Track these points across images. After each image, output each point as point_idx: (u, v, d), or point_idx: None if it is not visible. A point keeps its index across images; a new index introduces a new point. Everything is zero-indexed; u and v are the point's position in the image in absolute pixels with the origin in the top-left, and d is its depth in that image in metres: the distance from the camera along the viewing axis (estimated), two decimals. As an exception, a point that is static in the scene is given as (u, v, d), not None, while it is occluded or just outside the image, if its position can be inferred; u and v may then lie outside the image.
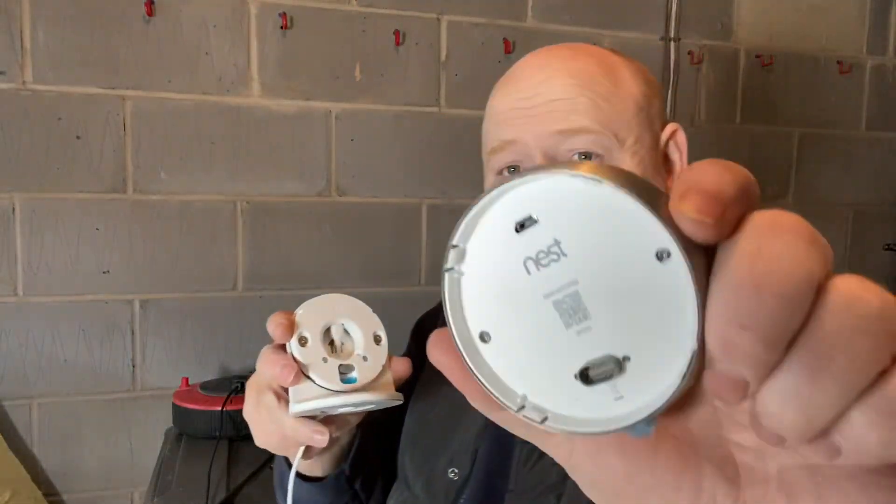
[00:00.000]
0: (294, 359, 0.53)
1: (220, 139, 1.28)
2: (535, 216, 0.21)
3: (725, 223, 0.17)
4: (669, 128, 0.69)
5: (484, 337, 0.22)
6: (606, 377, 0.20)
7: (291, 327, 0.54)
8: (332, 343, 0.56)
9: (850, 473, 0.20)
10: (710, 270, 0.18)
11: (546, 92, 0.63)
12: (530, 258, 0.21)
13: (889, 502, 0.19)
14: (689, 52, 1.54)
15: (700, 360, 0.18)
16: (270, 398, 0.55)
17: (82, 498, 1.28)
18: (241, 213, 1.31)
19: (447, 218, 1.41)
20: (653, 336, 0.19)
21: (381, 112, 1.36)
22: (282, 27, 1.29)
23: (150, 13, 1.22)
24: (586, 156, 0.62)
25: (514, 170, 0.65)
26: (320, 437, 0.55)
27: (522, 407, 0.22)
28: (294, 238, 1.33)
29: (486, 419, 0.23)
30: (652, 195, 0.19)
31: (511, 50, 1.40)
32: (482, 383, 0.22)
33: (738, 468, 0.22)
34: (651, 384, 0.20)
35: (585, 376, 0.21)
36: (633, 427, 0.20)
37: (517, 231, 0.21)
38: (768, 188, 1.65)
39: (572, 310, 0.20)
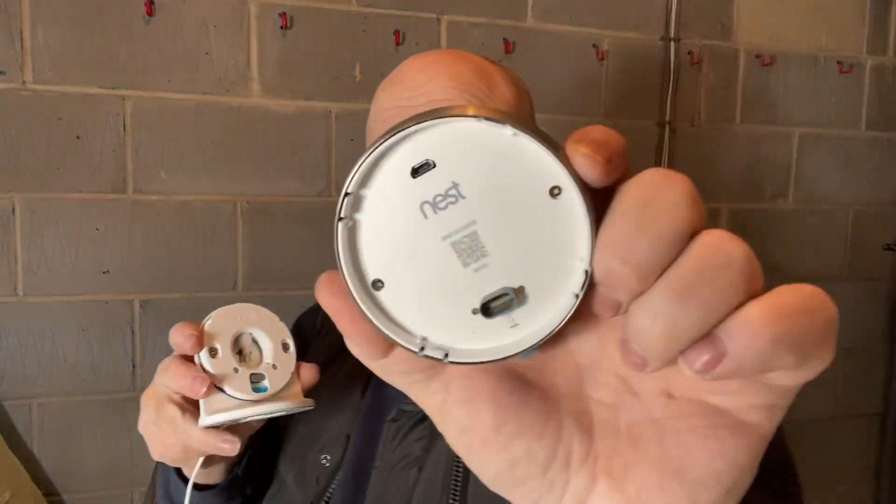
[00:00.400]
0: (204, 370, 0.54)
1: (220, 139, 1.28)
2: (431, 160, 0.21)
3: (612, 167, 0.20)
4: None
5: (377, 284, 0.23)
6: (505, 308, 0.22)
7: (201, 338, 0.56)
8: (240, 352, 0.57)
9: (690, 426, 0.22)
10: (598, 211, 0.21)
11: (428, 92, 0.67)
12: (427, 202, 0.21)
13: (722, 449, 0.22)
14: (689, 52, 1.54)
15: (590, 282, 0.21)
16: (173, 410, 0.55)
17: (82, 498, 1.28)
18: (241, 213, 1.31)
19: (447, 218, 1.41)
20: (546, 266, 0.21)
21: (381, 112, 1.36)
22: (282, 27, 1.29)
23: (150, 13, 1.22)
24: None
25: None
26: (230, 447, 0.55)
27: (423, 347, 0.23)
28: (294, 238, 1.33)
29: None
30: (548, 140, 0.21)
31: (511, 50, 1.41)
32: (378, 327, 0.23)
33: (593, 421, 0.25)
34: (545, 309, 0.22)
35: (486, 309, 0.22)
36: (526, 351, 0.22)
37: (413, 176, 0.22)
38: (768, 188, 1.65)
39: (470, 249, 0.21)
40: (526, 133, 0.20)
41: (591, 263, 0.21)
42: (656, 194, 0.20)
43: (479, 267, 0.22)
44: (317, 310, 0.91)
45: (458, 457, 0.57)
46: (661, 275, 0.20)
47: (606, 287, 0.20)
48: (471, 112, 0.21)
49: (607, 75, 1.49)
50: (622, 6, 1.49)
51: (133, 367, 1.28)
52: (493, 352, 0.22)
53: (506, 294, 0.22)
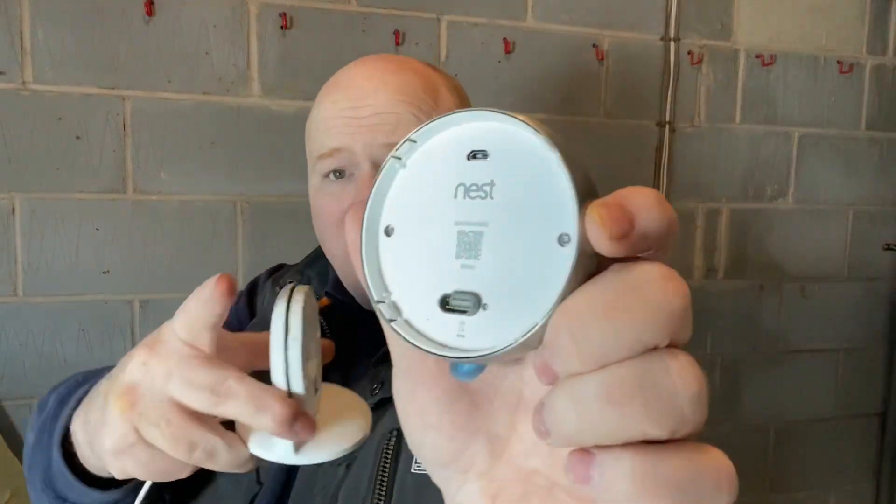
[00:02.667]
0: (290, 393, 0.34)
1: (220, 139, 1.28)
2: (488, 152, 0.23)
3: (625, 244, 0.20)
4: None
5: (388, 230, 0.24)
6: (460, 311, 0.22)
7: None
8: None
9: (571, 500, 0.23)
10: (589, 274, 0.21)
11: (374, 104, 0.65)
12: (463, 185, 0.23)
13: None
14: (689, 52, 1.54)
15: (539, 336, 0.20)
16: (213, 440, 0.37)
17: (82, 498, 1.28)
18: (241, 213, 1.30)
19: (447, 218, 1.41)
20: (517, 298, 0.21)
21: (381, 112, 1.36)
22: (282, 27, 1.29)
23: (150, 13, 1.22)
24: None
25: (340, 174, 0.68)
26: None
27: (382, 302, 0.24)
28: (294, 238, 1.33)
29: None
30: (587, 185, 0.21)
31: (511, 50, 1.41)
32: (363, 270, 0.24)
33: (505, 450, 0.25)
34: (492, 336, 0.22)
35: (445, 302, 0.23)
36: (456, 367, 0.23)
37: (467, 158, 0.23)
38: (768, 188, 1.65)
39: (469, 245, 0.22)
40: (568, 170, 0.21)
41: (546, 318, 0.20)
42: (644, 294, 0.19)
43: (466, 264, 0.22)
44: (268, 277, 0.85)
45: (386, 455, 0.57)
46: (603, 366, 0.19)
47: (548, 352, 0.20)
48: (535, 126, 0.22)
49: (607, 75, 1.49)
50: (622, 6, 1.49)
51: (133, 367, 1.27)
52: (428, 342, 0.23)
53: (467, 299, 0.22)
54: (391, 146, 0.61)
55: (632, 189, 0.21)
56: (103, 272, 1.25)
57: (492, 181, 0.22)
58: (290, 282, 0.73)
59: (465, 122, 0.23)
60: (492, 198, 0.22)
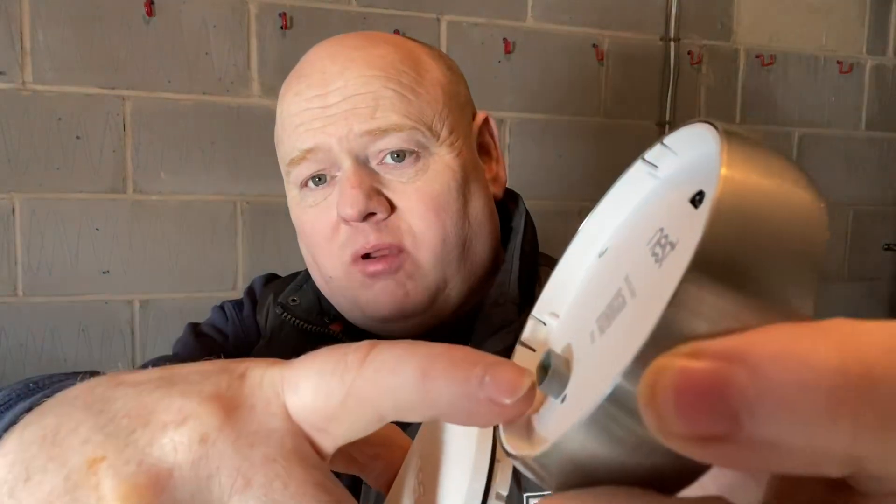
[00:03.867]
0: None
1: (220, 139, 1.28)
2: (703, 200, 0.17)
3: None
4: (480, 115, 0.65)
5: (601, 252, 0.22)
6: (548, 386, 0.18)
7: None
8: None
9: None
10: None
11: (343, 87, 0.55)
12: (661, 231, 0.17)
13: None
14: (689, 52, 1.54)
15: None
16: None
17: (82, 498, 1.28)
18: (241, 213, 1.30)
19: (447, 218, 1.41)
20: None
21: (381, 112, 1.36)
22: (282, 27, 1.29)
23: (150, 13, 1.22)
24: (399, 155, 0.56)
25: (321, 180, 0.58)
26: None
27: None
28: (294, 238, 1.33)
29: None
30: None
31: (511, 50, 1.40)
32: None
33: None
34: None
35: (546, 365, 0.18)
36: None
37: (689, 201, 0.17)
38: (768, 188, 1.65)
39: (612, 311, 0.18)
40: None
41: None
42: None
43: (594, 331, 0.18)
44: (265, 289, 0.75)
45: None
46: None
47: None
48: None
49: (607, 75, 1.49)
50: (622, 6, 1.49)
51: (133, 367, 1.27)
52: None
53: (557, 377, 0.18)
54: (373, 134, 0.54)
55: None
56: (103, 272, 1.25)
57: (674, 243, 0.16)
58: (293, 300, 0.66)
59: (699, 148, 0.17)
60: (660, 265, 0.16)
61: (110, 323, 1.26)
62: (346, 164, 0.56)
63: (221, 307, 0.75)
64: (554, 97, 1.46)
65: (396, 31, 1.34)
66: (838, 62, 1.66)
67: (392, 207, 0.56)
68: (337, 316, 0.65)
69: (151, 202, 1.26)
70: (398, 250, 0.56)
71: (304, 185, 0.59)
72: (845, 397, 0.11)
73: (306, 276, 0.70)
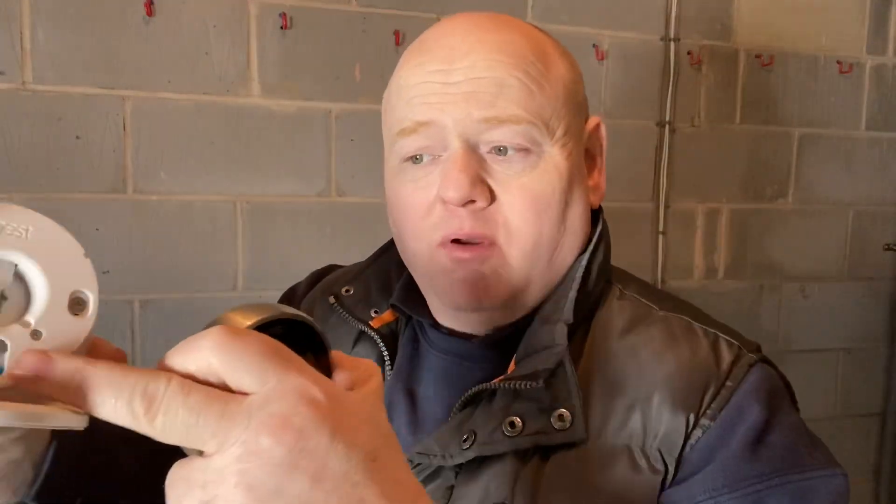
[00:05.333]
0: None
1: (220, 139, 1.28)
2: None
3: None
4: (593, 120, 0.62)
5: None
6: None
7: None
8: None
9: None
10: None
11: (469, 67, 0.53)
12: None
13: None
14: (689, 52, 1.54)
15: None
16: None
17: (82, 498, 1.28)
18: (241, 213, 1.30)
19: (447, 218, 1.41)
20: None
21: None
22: (282, 27, 1.29)
23: (150, 13, 1.22)
24: (500, 150, 0.54)
25: (421, 159, 0.56)
26: None
27: None
28: (294, 238, 1.33)
29: None
30: None
31: (511, 50, 1.40)
32: None
33: None
34: None
35: None
36: None
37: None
38: (768, 188, 1.65)
39: None
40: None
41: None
42: None
43: None
44: (312, 287, 0.74)
45: None
46: None
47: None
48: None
49: (607, 75, 1.49)
50: (622, 6, 1.49)
51: (133, 367, 1.27)
52: None
53: None
54: (490, 122, 0.53)
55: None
56: (103, 272, 1.25)
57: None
58: (347, 290, 0.66)
59: None
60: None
61: (110, 323, 1.26)
62: (456, 145, 0.54)
63: None
64: (554, 97, 1.45)
65: (396, 32, 1.34)
66: (838, 62, 1.66)
67: (492, 198, 0.54)
68: (396, 306, 0.64)
69: (151, 202, 1.26)
70: (490, 242, 0.55)
71: (408, 159, 0.57)
72: None
73: (372, 260, 0.70)
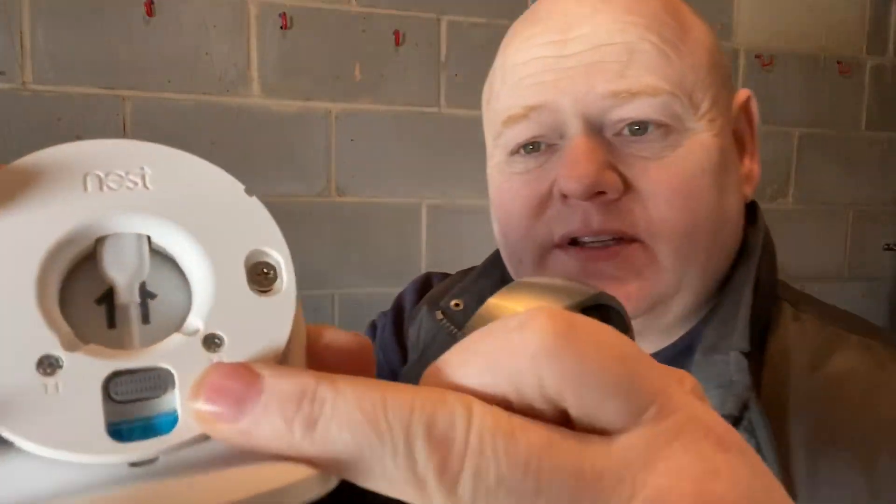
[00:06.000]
0: None
1: (220, 139, 1.28)
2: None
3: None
4: (742, 93, 0.51)
5: None
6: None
7: None
8: (143, 291, 0.18)
9: None
10: None
11: (590, 34, 0.44)
12: None
13: None
14: (689, 52, 1.54)
15: None
16: None
17: (82, 498, 1.28)
18: (241, 213, 1.31)
19: (447, 218, 1.41)
20: None
21: (381, 112, 1.36)
22: (282, 27, 1.29)
23: (150, 13, 1.22)
24: (641, 127, 0.44)
25: (534, 148, 0.46)
26: None
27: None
28: (294, 238, 1.32)
29: None
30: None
31: (511, 50, 1.41)
32: None
33: None
34: None
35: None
36: None
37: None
38: (768, 188, 1.65)
39: None
40: None
41: None
42: None
43: None
44: (419, 290, 0.63)
45: None
46: None
47: None
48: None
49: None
50: (622, 6, 1.49)
51: (133, 367, 1.28)
52: None
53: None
54: (619, 97, 0.43)
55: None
56: (103, 272, 1.25)
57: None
58: (456, 304, 0.54)
59: None
60: None
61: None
62: (576, 128, 0.44)
63: (373, 324, 0.63)
64: (554, 97, 1.46)
65: (396, 32, 1.34)
66: (838, 62, 1.66)
67: (626, 187, 0.44)
68: None
69: (151, 202, 1.26)
70: (628, 240, 0.44)
71: (515, 152, 0.47)
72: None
73: (483, 269, 0.58)
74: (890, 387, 0.43)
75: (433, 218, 1.41)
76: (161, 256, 0.18)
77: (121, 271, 0.18)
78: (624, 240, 0.44)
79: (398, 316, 0.62)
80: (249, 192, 0.20)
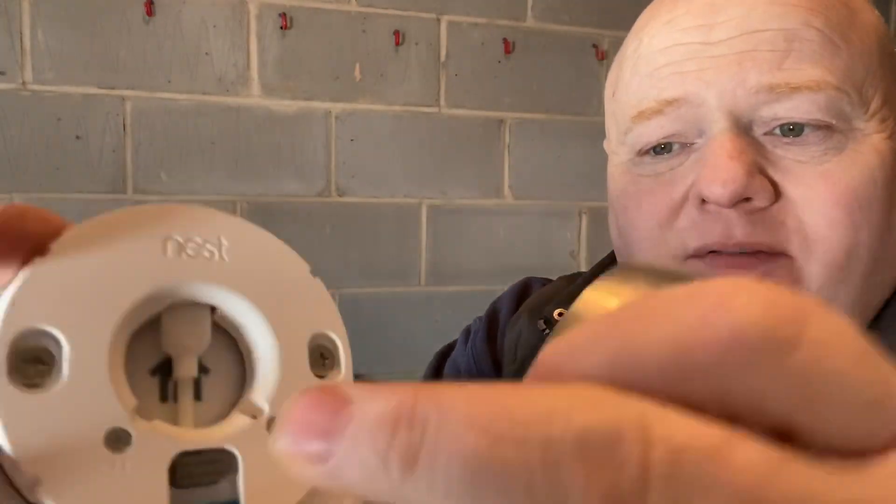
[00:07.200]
0: None
1: (220, 139, 1.28)
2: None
3: None
4: None
5: None
6: None
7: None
8: (203, 368, 0.18)
9: None
10: None
11: (742, 18, 0.38)
12: None
13: None
14: (689, 52, 1.54)
15: None
16: None
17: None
18: (241, 213, 1.31)
19: (447, 218, 1.41)
20: None
21: (381, 112, 1.36)
22: (282, 27, 1.29)
23: (150, 13, 1.22)
24: (795, 129, 0.37)
25: (665, 149, 0.41)
26: None
27: None
28: (294, 238, 1.32)
29: None
30: None
31: (511, 50, 1.40)
32: None
33: None
34: None
35: None
36: None
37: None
38: (768, 188, 1.65)
39: None
40: None
41: None
42: None
43: None
44: (517, 296, 0.57)
45: None
46: None
47: None
48: None
49: (607, 75, 1.49)
50: (622, 6, 1.49)
51: (133, 367, 1.28)
52: None
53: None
54: (775, 91, 0.37)
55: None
56: (103, 272, 1.25)
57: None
58: (561, 313, 0.48)
59: None
60: None
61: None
62: (720, 126, 0.38)
63: (468, 329, 0.58)
64: (554, 97, 1.46)
65: (396, 32, 1.34)
66: (838, 62, 1.66)
67: (777, 195, 0.38)
68: None
69: (151, 202, 1.26)
70: (778, 254, 0.38)
71: (644, 152, 0.41)
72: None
73: (593, 276, 0.51)
74: None
75: (433, 218, 1.41)
76: (219, 331, 0.18)
77: (183, 343, 0.17)
78: (769, 252, 0.38)
79: (492, 323, 0.55)
80: (314, 272, 0.20)
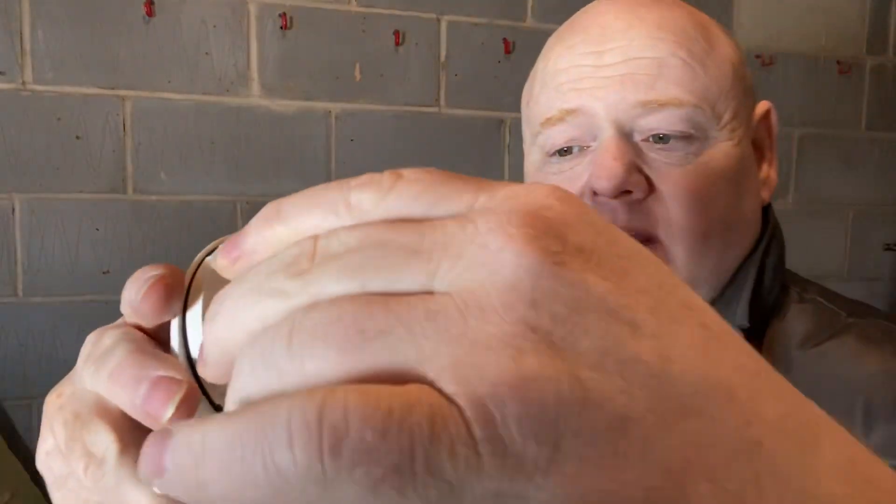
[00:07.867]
0: (190, 364, 0.22)
1: (220, 139, 1.28)
2: None
3: None
4: (762, 105, 0.56)
5: None
6: None
7: (180, 293, 0.22)
8: None
9: None
10: None
11: (625, 47, 0.48)
12: None
13: None
14: (689, 52, 1.54)
15: None
16: (103, 438, 0.23)
17: (82, 498, 1.28)
18: (241, 213, 1.31)
19: (447, 218, 1.41)
20: None
21: (381, 112, 1.36)
22: (282, 27, 1.29)
23: (150, 13, 1.22)
24: (663, 138, 0.48)
25: (568, 152, 0.51)
26: None
27: None
28: (294, 238, 1.33)
29: None
30: None
31: (510, 50, 1.40)
32: None
33: None
34: None
35: None
36: None
37: None
38: (768, 188, 1.65)
39: None
40: None
41: None
42: None
43: None
44: None
45: None
46: None
47: None
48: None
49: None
50: (622, 6, 1.49)
51: (133, 367, 1.28)
52: None
53: None
54: (648, 106, 0.48)
55: None
56: (103, 272, 1.25)
57: None
58: None
59: None
60: None
61: (110, 323, 1.26)
62: (608, 133, 0.48)
63: None
64: (554, 97, 1.46)
65: (396, 32, 1.34)
66: (838, 62, 1.66)
67: (651, 189, 0.48)
68: None
69: (151, 202, 1.26)
70: (648, 238, 0.48)
71: (551, 154, 0.51)
72: None
73: None
74: (876, 355, 0.48)
75: (433, 218, 1.41)
76: None
77: None
78: (644, 239, 0.47)
79: None
80: None
